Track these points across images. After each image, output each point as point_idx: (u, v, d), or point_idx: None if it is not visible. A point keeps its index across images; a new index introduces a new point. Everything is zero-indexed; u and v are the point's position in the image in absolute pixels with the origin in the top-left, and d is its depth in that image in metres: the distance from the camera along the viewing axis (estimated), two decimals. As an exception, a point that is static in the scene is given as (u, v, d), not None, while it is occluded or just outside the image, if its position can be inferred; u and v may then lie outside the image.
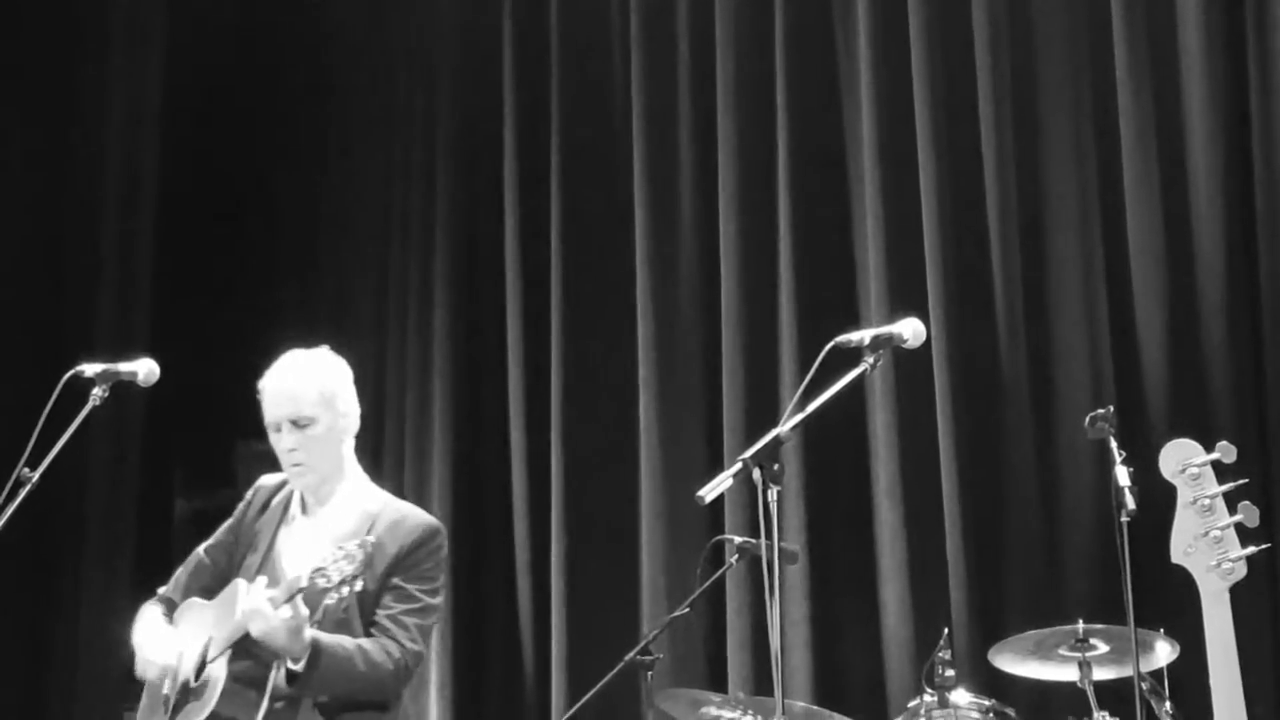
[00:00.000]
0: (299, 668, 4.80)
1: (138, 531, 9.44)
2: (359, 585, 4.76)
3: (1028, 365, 7.74)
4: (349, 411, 5.28)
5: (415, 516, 5.27)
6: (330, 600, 4.79)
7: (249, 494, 5.47)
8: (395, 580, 5.07)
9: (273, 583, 4.95)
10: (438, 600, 5.18)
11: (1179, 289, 7.45)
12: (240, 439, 9.41)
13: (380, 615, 5.04)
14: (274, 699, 4.88)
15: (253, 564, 5.20)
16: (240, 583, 5.05)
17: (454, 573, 8.32)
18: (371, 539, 4.80)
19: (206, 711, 4.87)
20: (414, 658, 5.04)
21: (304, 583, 4.70)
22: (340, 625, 4.97)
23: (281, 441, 5.19)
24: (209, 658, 4.96)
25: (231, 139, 10.03)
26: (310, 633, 4.79)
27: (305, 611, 4.74)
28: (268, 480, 5.46)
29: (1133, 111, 7.58)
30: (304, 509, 5.28)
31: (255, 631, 4.77)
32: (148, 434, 9.51)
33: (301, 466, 5.19)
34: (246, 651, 4.90)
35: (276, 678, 4.87)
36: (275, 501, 5.35)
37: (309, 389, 5.20)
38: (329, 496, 5.25)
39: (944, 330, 7.75)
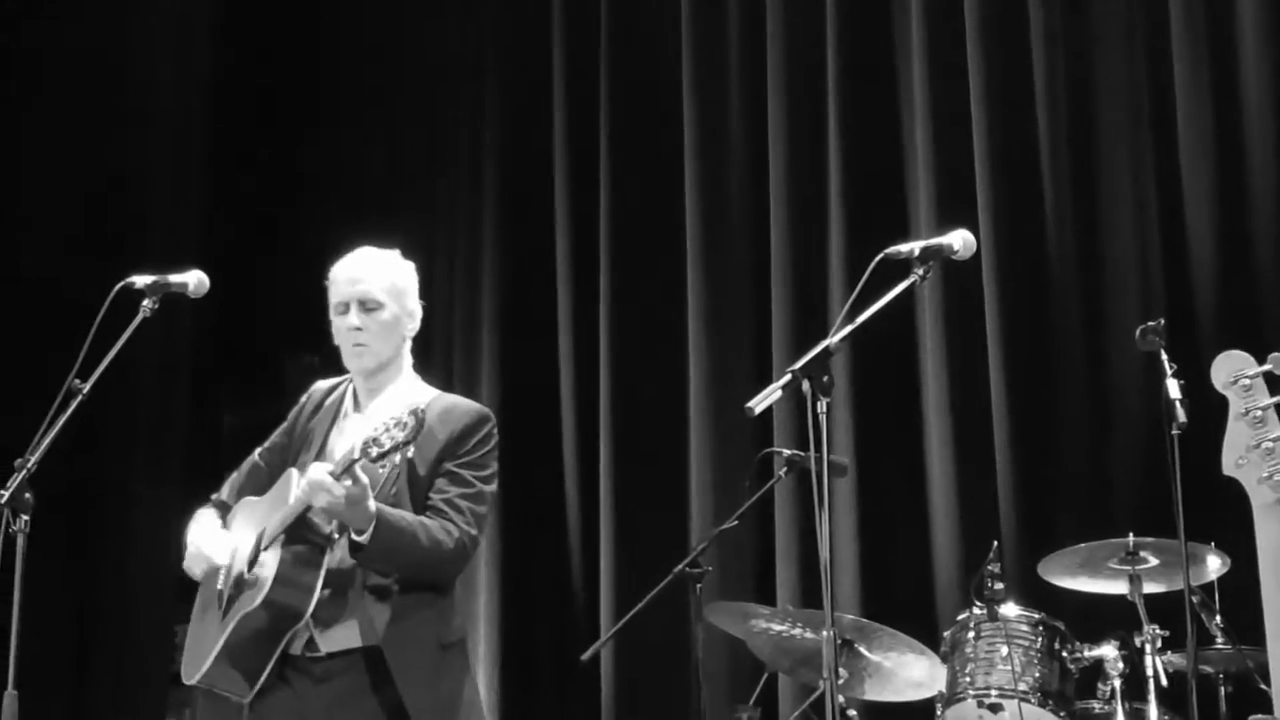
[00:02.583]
0: (363, 539, 4.83)
1: (187, 444, 9.49)
2: (410, 451, 4.77)
3: (1078, 278, 7.71)
4: (414, 311, 5.31)
5: (465, 404, 5.31)
6: (383, 468, 4.82)
7: (303, 398, 5.49)
8: (447, 465, 5.09)
9: None
10: (490, 488, 5.19)
11: (1230, 199, 7.40)
12: (289, 352, 9.44)
13: (435, 498, 5.06)
14: (326, 585, 4.91)
15: (306, 462, 5.21)
16: (292, 472, 5.07)
17: (502, 484, 8.33)
18: (423, 406, 4.80)
19: (260, 599, 4.88)
20: (471, 540, 5.05)
21: (356, 454, 4.73)
22: (394, 506, 4.99)
23: (347, 320, 5.22)
24: (263, 546, 4.99)
25: (285, 50, 10.03)
26: (373, 503, 4.82)
27: (366, 480, 4.77)
28: (322, 384, 5.49)
29: (1185, 17, 7.53)
30: (356, 405, 5.31)
31: (319, 504, 4.79)
32: (197, 346, 9.55)
33: (363, 347, 5.22)
34: (300, 536, 4.92)
35: (330, 560, 4.90)
36: (329, 402, 5.38)
37: (381, 276, 5.25)
38: (380, 391, 5.27)
39: (994, 242, 7.73)
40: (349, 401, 5.33)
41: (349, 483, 4.75)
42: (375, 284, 5.23)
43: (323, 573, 4.89)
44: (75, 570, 9.10)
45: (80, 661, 9.17)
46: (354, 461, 4.73)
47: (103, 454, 9.14)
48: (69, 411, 4.99)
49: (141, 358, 8.82)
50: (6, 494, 4.83)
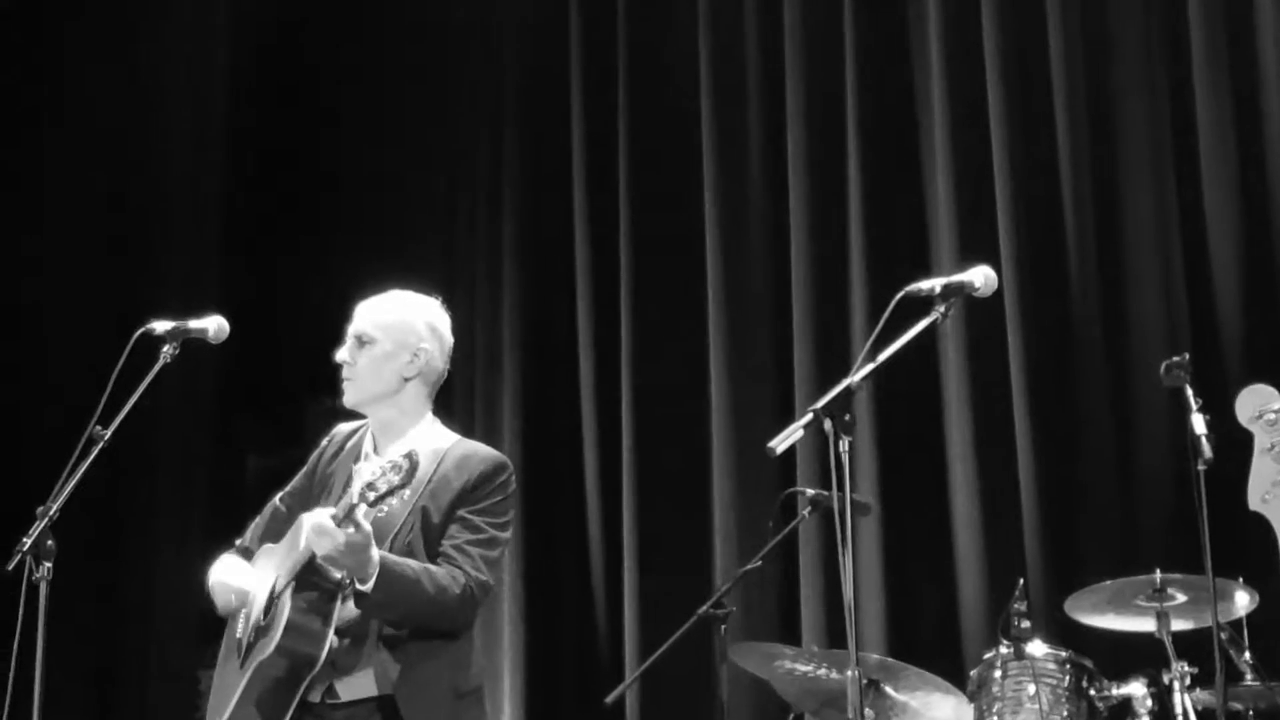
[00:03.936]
0: (366, 588, 4.80)
1: (209, 489, 9.48)
2: (406, 494, 4.79)
3: (1102, 313, 7.70)
4: (419, 350, 5.26)
5: (482, 451, 5.27)
6: (383, 512, 4.80)
7: (324, 441, 5.47)
8: (461, 513, 5.06)
9: None
10: (505, 534, 5.15)
11: (1254, 233, 7.40)
12: (311, 395, 9.44)
13: (446, 545, 5.03)
14: (343, 632, 4.89)
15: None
16: (304, 518, 5.05)
17: (525, 527, 8.35)
18: (418, 450, 4.78)
19: (272, 646, 4.86)
20: (480, 587, 5.01)
21: (355, 499, 4.70)
22: (409, 554, 4.97)
23: (342, 355, 5.24)
24: (276, 593, 4.97)
25: (303, 90, 10.05)
26: (376, 551, 4.80)
27: (369, 528, 4.74)
28: (344, 427, 5.47)
29: (1206, 52, 7.53)
30: (376, 449, 5.29)
31: (320, 551, 4.76)
32: (218, 391, 9.55)
33: (350, 382, 5.22)
34: (311, 583, 4.90)
35: (342, 609, 4.88)
36: (350, 445, 5.36)
37: (383, 313, 5.25)
38: (399, 436, 5.25)
39: (1016, 278, 7.72)
40: (368, 445, 5.31)
41: (350, 530, 4.73)
42: (370, 319, 5.23)
43: (334, 619, 4.87)
44: (99, 616, 9.09)
45: (104, 707, 9.16)
46: (353, 506, 4.72)
47: (125, 500, 9.14)
48: (90, 458, 5.00)
49: (163, 403, 8.85)
50: (29, 541, 4.83)
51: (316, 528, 4.78)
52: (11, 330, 9.19)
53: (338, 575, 4.86)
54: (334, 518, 4.76)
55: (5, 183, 9.35)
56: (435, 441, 5.24)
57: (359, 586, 4.79)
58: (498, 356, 9.34)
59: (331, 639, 4.86)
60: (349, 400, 5.28)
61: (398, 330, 5.24)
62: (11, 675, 4.96)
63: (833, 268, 8.32)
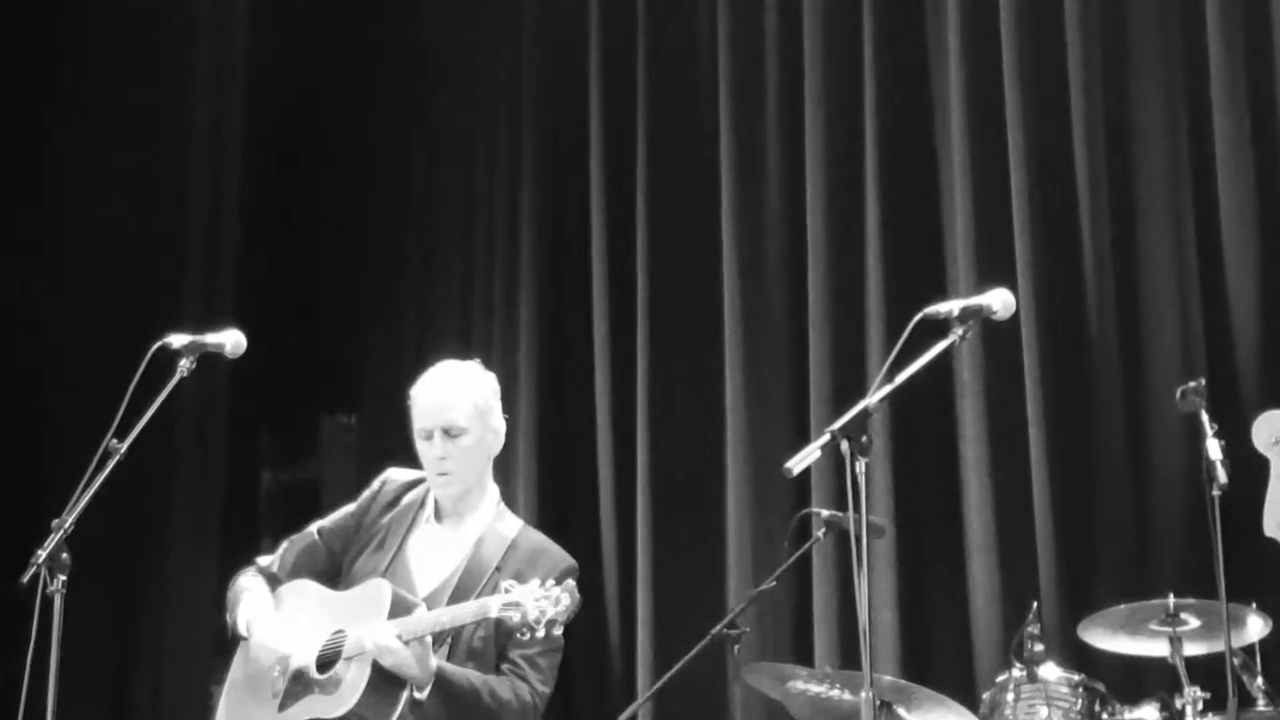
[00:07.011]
0: (422, 696, 4.87)
1: (224, 503, 9.49)
2: (557, 630, 4.81)
3: (1118, 337, 7.69)
4: (498, 428, 5.33)
5: (555, 551, 5.35)
6: (524, 635, 4.83)
7: (376, 484, 5.48)
8: None
9: (401, 584, 5.05)
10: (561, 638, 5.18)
11: (1271, 258, 7.38)
12: (325, 412, 9.46)
13: (516, 654, 5.11)
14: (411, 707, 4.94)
15: (380, 563, 5.21)
16: (384, 584, 5.05)
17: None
18: (573, 583, 4.84)
19: (343, 709, 4.89)
20: (543, 699, 5.15)
21: (492, 613, 4.74)
22: (474, 655, 5.01)
23: (431, 450, 5.24)
24: (345, 654, 4.97)
25: (323, 106, 10.06)
26: (435, 662, 4.85)
27: (429, 640, 4.83)
28: (398, 475, 5.49)
29: (1224, 77, 7.52)
30: (438, 515, 5.30)
31: (387, 664, 4.84)
32: (234, 406, 9.56)
33: (448, 476, 5.24)
34: None
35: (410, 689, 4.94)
36: (407, 500, 5.37)
37: (464, 400, 5.26)
38: (466, 510, 5.28)
39: (1033, 302, 7.70)
40: (430, 509, 5.32)
41: (418, 647, 4.81)
42: (458, 410, 5.24)
43: (405, 693, 4.90)
44: (113, 629, 9.09)
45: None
46: (485, 619, 4.81)
47: (140, 513, 9.15)
48: (106, 471, 5.01)
49: (179, 416, 8.86)
50: (44, 554, 4.84)
51: (384, 646, 4.83)
52: (29, 343, 9.21)
53: None
54: (473, 649, 4.91)
55: (24, 197, 9.38)
56: (501, 525, 5.30)
57: (416, 695, 4.85)
58: (514, 377, 9.31)
59: (399, 710, 4.89)
60: (450, 494, 5.29)
61: (483, 415, 5.28)
62: (25, 687, 4.97)
63: (850, 290, 8.31)
